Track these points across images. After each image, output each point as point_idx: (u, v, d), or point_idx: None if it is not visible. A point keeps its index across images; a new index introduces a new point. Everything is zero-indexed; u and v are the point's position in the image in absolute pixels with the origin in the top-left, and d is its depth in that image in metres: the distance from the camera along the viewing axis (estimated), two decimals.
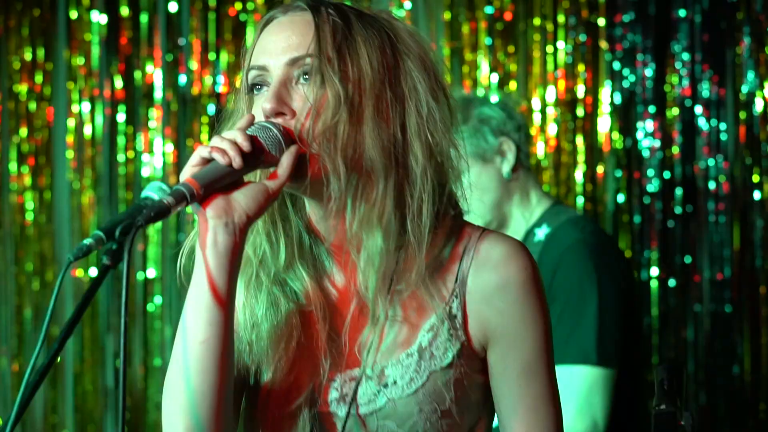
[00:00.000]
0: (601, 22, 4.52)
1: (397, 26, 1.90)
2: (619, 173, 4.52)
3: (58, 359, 4.77)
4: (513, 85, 4.53)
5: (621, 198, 4.53)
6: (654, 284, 4.49)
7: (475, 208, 3.01)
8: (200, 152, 1.78)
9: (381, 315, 1.87)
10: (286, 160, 1.80)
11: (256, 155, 1.80)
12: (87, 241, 1.67)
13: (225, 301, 1.80)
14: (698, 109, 4.51)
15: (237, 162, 1.77)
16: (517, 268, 1.88)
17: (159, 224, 4.77)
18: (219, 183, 1.78)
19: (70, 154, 4.91)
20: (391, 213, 1.84)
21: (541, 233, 3.21)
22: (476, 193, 3.03)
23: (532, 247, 3.14)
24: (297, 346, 1.90)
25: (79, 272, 4.86)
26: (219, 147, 1.77)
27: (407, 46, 1.89)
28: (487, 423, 1.93)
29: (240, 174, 1.79)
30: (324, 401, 1.89)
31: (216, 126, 1.95)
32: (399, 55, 1.87)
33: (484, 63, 4.56)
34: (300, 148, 1.81)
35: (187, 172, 1.77)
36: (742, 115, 4.49)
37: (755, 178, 4.46)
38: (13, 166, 4.95)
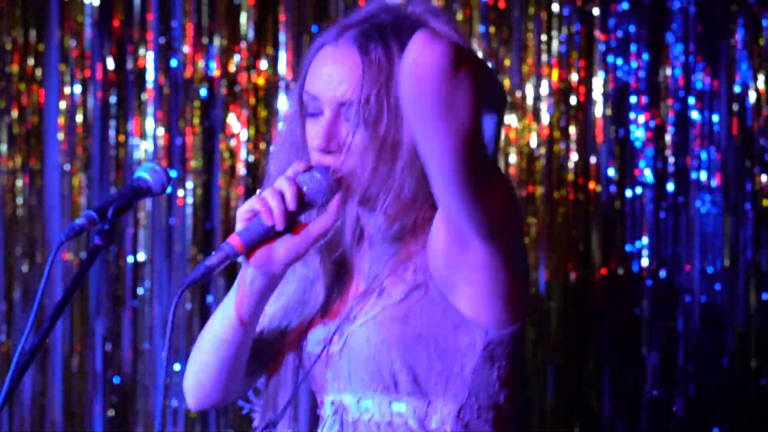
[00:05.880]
0: (596, 11, 4.51)
1: None
2: (611, 163, 4.51)
3: (47, 341, 4.75)
4: (506, 75, 4.52)
5: (613, 188, 4.52)
6: (644, 275, 4.49)
7: None
8: (251, 204, 1.95)
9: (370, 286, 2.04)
10: (330, 208, 1.97)
11: (301, 208, 1.96)
12: (79, 220, 1.66)
13: (249, 325, 2.04)
14: (691, 101, 4.50)
15: (280, 225, 1.93)
16: None
17: (149, 207, 4.76)
18: (262, 240, 1.95)
19: (61, 136, 4.89)
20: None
21: None
22: None
23: None
24: (296, 304, 2.10)
25: (68, 255, 4.84)
26: (268, 205, 1.93)
27: None
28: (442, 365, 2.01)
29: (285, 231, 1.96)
30: (310, 343, 2.08)
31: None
32: None
33: (477, 51, 4.54)
34: (342, 196, 1.97)
35: (237, 227, 1.95)
36: (735, 107, 4.48)
37: (747, 171, 4.46)
38: (3, 148, 4.93)
